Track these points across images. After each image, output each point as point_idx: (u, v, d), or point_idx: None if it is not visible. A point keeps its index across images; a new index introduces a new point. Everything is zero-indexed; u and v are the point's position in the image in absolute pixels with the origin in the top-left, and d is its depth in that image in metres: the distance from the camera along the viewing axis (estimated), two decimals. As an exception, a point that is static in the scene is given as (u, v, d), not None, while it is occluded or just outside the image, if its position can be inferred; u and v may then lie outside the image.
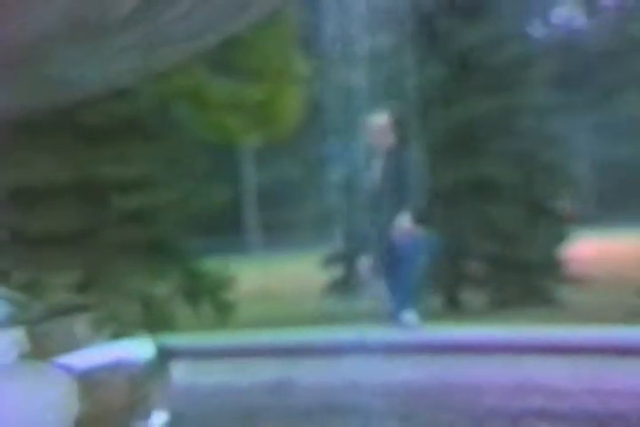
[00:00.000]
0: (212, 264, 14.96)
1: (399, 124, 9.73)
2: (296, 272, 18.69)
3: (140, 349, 2.45)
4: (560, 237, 16.45)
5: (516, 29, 18.03)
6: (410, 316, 8.20)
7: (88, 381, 2.16)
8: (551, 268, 16.17)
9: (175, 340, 5.43)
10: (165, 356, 2.53)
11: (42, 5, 1.99)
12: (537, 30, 30.33)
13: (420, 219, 8.95)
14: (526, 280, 15.73)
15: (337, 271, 16.12)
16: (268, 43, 15.70)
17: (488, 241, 15.69)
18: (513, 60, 16.79)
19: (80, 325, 2.40)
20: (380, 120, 9.19)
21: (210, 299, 14.43)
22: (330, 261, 16.35)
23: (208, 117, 15.46)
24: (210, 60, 14.42)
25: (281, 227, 35.61)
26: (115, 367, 2.31)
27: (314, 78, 17.74)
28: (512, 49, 16.91)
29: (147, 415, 2.38)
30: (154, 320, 12.77)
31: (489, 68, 16.44)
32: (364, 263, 9.56)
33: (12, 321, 2.33)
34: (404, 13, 16.56)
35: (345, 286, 14.98)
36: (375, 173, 9.11)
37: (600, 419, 4.20)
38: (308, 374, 4.93)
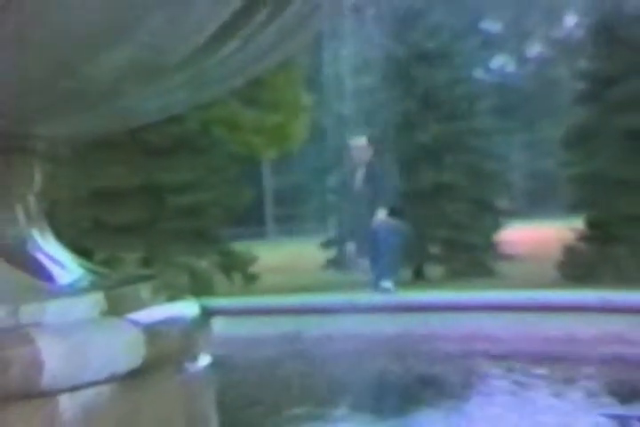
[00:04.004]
0: (241, 246, 14.96)
1: (377, 144, 9.73)
2: (303, 252, 18.67)
3: (188, 308, 2.43)
4: (498, 226, 16.47)
5: (466, 73, 17.99)
6: (387, 284, 8.20)
7: (151, 332, 2.14)
8: (491, 248, 16.19)
9: (214, 302, 5.42)
10: (207, 314, 2.51)
11: (114, 55, 1.97)
12: (481, 74, 30.25)
13: (394, 213, 8.96)
14: (473, 257, 15.73)
15: (332, 252, 16.11)
16: (283, 81, 15.69)
17: (444, 229, 15.70)
18: (464, 95, 16.79)
19: (144, 290, 2.38)
20: (362, 140, 9.20)
21: (239, 272, 14.42)
22: (327, 244, 16.34)
23: (238, 137, 15.45)
24: (240, 95, 14.41)
25: (292, 219, 35.61)
26: (170, 322, 2.29)
27: (315, 108, 17.71)
28: (463, 87, 16.91)
29: (194, 358, 2.36)
30: (198, 287, 12.76)
31: (446, 101, 16.43)
32: (353, 246, 9.55)
33: (94, 287, 2.30)
34: (382, 60, 16.54)
35: (339, 262, 14.97)
36: (359, 179, 9.11)
37: (531, 358, 4.22)
38: (312, 328, 4.91)
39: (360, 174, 9.11)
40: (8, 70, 1.92)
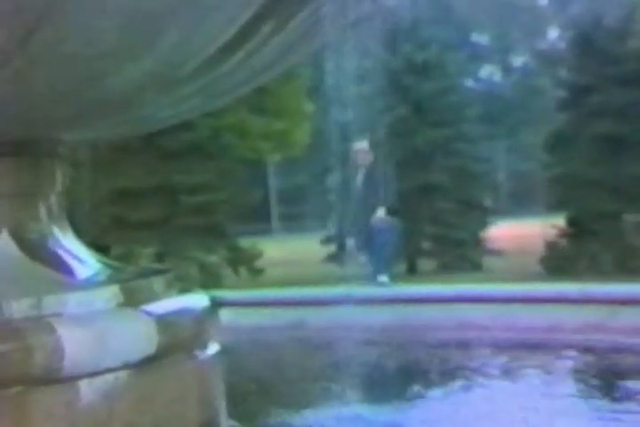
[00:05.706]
0: (247, 242, 14.94)
1: (375, 148, 9.72)
2: (305, 248, 18.66)
3: (198, 300, 2.42)
4: (484, 223, 16.46)
5: (455, 82, 17.97)
6: (383, 278, 8.19)
7: (163, 322, 2.13)
8: (478, 244, 16.18)
9: (222, 294, 5.41)
10: (216, 305, 2.50)
11: (135, 68, 1.97)
12: (469, 83, 30.26)
13: (390, 211, 8.95)
14: (462, 253, 15.73)
15: (332, 247, 16.09)
16: (287, 91, 15.67)
17: (435, 226, 15.70)
18: (453, 103, 16.78)
19: (158, 283, 2.37)
20: (362, 145, 9.19)
21: (246, 266, 14.41)
22: (328, 240, 16.33)
23: (246, 142, 15.42)
24: (248, 104, 14.39)
25: (294, 217, 35.63)
26: (181, 313, 2.28)
27: (318, 115, 17.70)
28: (453, 96, 16.90)
29: (204, 346, 2.35)
30: (207, 281, 12.76)
31: (437, 108, 16.43)
32: (351, 242, 9.54)
33: (111, 280, 2.30)
34: (378, 70, 16.54)
35: (338, 257, 14.95)
36: (359, 180, 9.10)
37: (513, 345, 4.22)
38: (314, 318, 4.91)
39: (360, 176, 9.11)
40: (39, 82, 1.92)
